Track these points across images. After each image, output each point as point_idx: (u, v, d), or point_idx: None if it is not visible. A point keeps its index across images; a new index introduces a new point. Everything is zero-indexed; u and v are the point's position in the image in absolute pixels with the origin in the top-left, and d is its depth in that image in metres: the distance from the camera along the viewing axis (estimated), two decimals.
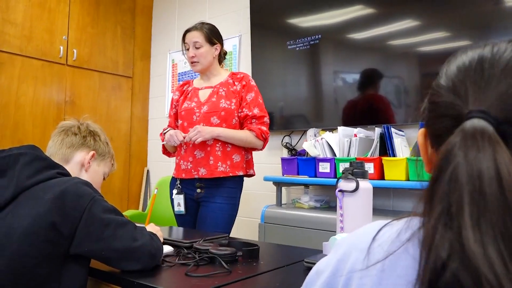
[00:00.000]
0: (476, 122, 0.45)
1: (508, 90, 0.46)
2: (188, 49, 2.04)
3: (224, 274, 1.09)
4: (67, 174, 1.16)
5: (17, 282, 0.98)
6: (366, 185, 1.16)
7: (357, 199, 1.15)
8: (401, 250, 0.48)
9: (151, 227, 1.35)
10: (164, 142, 2.01)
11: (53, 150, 1.26)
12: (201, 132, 1.87)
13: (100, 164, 1.32)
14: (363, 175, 1.18)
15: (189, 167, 1.97)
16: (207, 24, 2.07)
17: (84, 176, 1.25)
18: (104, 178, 1.35)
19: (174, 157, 2.12)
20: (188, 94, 2.08)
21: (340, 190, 1.17)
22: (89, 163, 1.27)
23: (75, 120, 1.33)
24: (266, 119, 2.03)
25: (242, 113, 1.99)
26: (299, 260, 1.23)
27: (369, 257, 0.51)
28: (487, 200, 0.41)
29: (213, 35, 2.05)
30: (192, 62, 2.03)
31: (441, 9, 2.29)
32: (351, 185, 1.15)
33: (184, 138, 1.90)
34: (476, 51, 0.50)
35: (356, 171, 1.17)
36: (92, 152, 1.28)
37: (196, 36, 2.01)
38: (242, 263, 1.22)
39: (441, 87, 0.51)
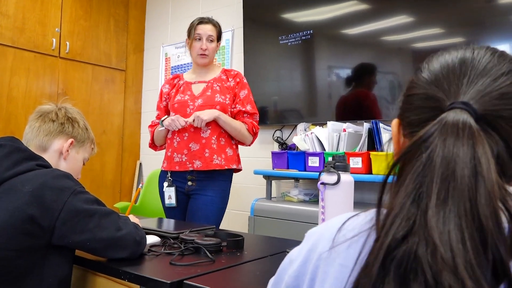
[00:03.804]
0: (458, 113, 0.47)
1: (485, 88, 0.49)
2: (199, 39, 2.05)
3: (207, 263, 1.11)
4: (47, 165, 1.14)
5: None
6: (347, 178, 1.19)
7: (338, 192, 1.18)
8: (357, 239, 0.51)
9: (131, 218, 1.36)
10: (161, 128, 2.01)
11: (30, 136, 1.22)
12: (201, 115, 1.89)
13: (79, 150, 1.29)
14: (345, 168, 1.20)
15: (183, 160, 1.99)
16: (217, 21, 2.13)
17: (63, 165, 1.24)
18: (83, 163, 1.32)
19: (164, 150, 2.14)
20: (180, 87, 2.11)
21: (322, 183, 1.19)
22: (68, 151, 1.24)
23: (53, 105, 1.28)
24: (257, 117, 2.09)
25: (235, 109, 2.04)
26: (282, 250, 1.26)
27: (334, 245, 0.54)
28: (457, 183, 0.43)
29: (221, 33, 2.13)
30: (202, 54, 2.05)
31: (435, 6, 2.31)
32: (332, 178, 1.18)
33: (186, 123, 1.93)
34: (459, 52, 0.54)
35: (338, 164, 1.20)
36: (70, 140, 1.24)
37: (212, 30, 2.06)
38: (226, 253, 1.25)
39: (423, 81, 0.53)
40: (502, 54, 0.52)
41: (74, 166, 1.27)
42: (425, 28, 2.35)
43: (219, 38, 2.11)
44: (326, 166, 1.21)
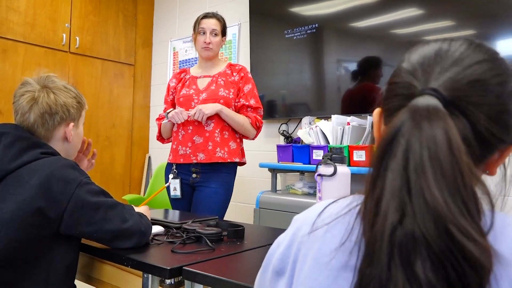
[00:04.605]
0: (428, 98, 0.50)
1: (456, 76, 0.51)
2: (203, 33, 2.10)
3: (207, 251, 1.16)
4: (51, 152, 1.15)
5: (7, 262, 1.02)
6: (344, 170, 1.22)
7: (335, 183, 1.21)
8: (334, 223, 0.55)
9: (143, 209, 1.40)
10: (166, 121, 2.07)
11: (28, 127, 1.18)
12: (203, 109, 1.94)
13: (79, 124, 1.27)
14: (342, 160, 1.23)
15: (187, 152, 2.03)
16: (221, 16, 2.17)
17: (69, 146, 1.24)
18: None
19: (169, 143, 2.19)
20: (186, 81, 2.15)
21: (319, 174, 1.23)
22: (71, 134, 1.23)
23: (39, 87, 1.18)
24: (261, 111, 2.13)
25: (239, 103, 2.08)
26: None
27: (313, 229, 0.58)
28: (443, 163, 0.45)
29: (225, 28, 2.18)
30: (205, 47, 2.10)
31: None
32: (329, 170, 1.21)
33: (189, 117, 1.97)
34: (436, 44, 0.56)
35: (335, 156, 1.23)
36: (71, 124, 1.23)
37: (215, 24, 2.11)
38: (226, 242, 1.29)
39: (402, 70, 0.56)
40: (479, 45, 0.54)
41: (78, 140, 1.28)
42: (435, 21, 2.34)
43: (224, 32, 2.15)
44: (323, 158, 1.24)
